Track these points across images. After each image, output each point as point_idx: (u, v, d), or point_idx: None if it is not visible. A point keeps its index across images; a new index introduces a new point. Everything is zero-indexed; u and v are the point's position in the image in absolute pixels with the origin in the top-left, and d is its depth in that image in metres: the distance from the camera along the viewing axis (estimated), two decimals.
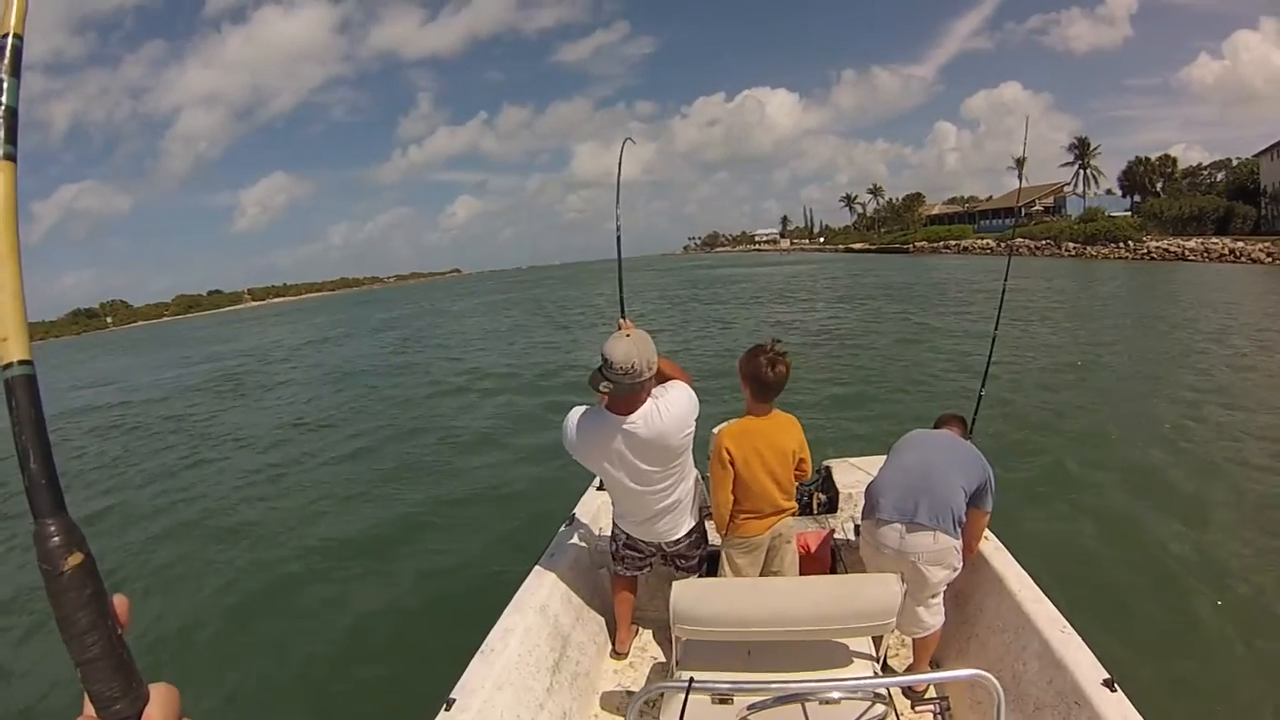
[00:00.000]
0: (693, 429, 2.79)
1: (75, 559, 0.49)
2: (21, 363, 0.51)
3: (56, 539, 0.49)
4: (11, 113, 0.53)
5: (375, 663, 4.78)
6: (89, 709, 0.51)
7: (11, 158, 0.53)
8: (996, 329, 4.26)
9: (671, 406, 2.72)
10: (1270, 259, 32.31)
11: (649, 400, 2.71)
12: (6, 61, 0.52)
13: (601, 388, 2.64)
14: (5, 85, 0.52)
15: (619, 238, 3.86)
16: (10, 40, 0.53)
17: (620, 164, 4.00)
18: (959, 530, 2.82)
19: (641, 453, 2.73)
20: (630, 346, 2.58)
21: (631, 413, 2.69)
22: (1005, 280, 4.40)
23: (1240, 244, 36.05)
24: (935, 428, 3.29)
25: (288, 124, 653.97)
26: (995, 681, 1.75)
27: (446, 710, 2.25)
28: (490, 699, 2.36)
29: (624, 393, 2.65)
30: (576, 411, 2.82)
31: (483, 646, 2.61)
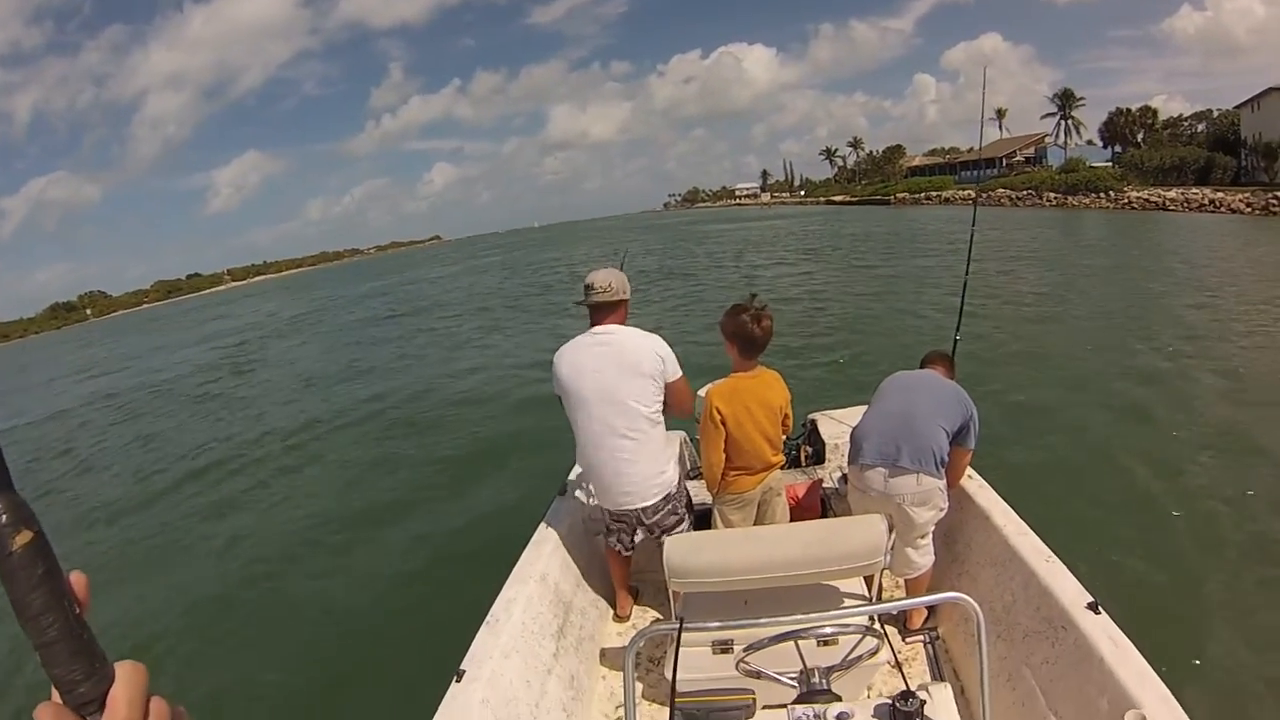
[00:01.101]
0: (659, 360, 2.94)
1: (24, 537, 0.46)
2: None
3: (3, 517, 0.46)
4: None
5: (382, 637, 4.84)
6: (56, 694, 0.48)
7: None
8: (968, 273, 4.40)
9: (642, 333, 3.01)
10: (1250, 209, 32.36)
11: (628, 328, 3.02)
12: None
13: (583, 304, 3.02)
14: None
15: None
16: None
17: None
18: (941, 470, 2.86)
19: (606, 356, 2.93)
20: (608, 272, 3.03)
21: (606, 324, 3.01)
22: (973, 226, 4.73)
23: (1220, 194, 36.09)
24: (921, 367, 3.33)
25: (258, 101, 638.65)
26: (974, 603, 1.77)
27: (458, 681, 2.29)
28: (499, 667, 2.41)
29: (601, 313, 3.00)
30: (564, 343, 3.08)
31: (488, 617, 2.65)
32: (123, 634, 5.40)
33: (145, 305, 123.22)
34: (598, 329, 2.98)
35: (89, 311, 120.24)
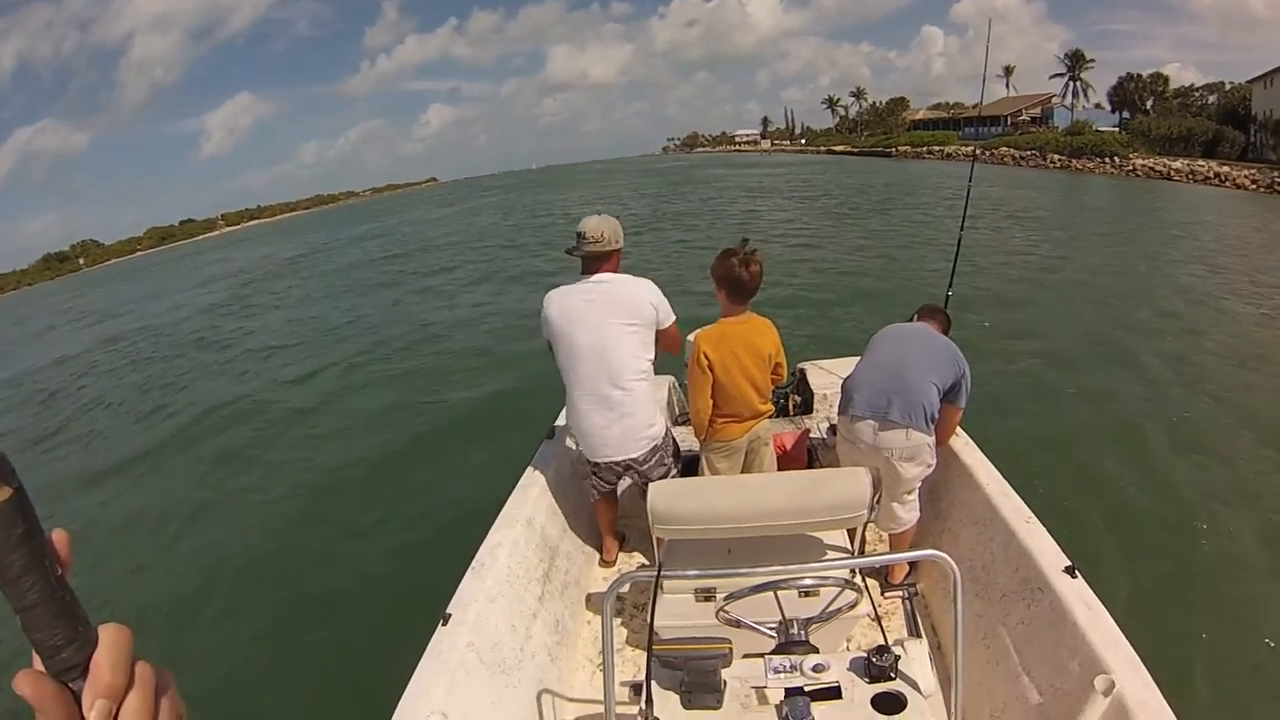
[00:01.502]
0: (652, 308, 2.95)
1: (3, 494, 0.43)
2: None
3: None
4: None
5: (368, 582, 4.90)
6: (37, 660, 0.47)
7: None
8: (962, 230, 4.42)
9: (633, 279, 2.99)
10: (1255, 186, 32.11)
11: (615, 270, 3.00)
12: None
13: (575, 253, 2.97)
14: None
15: None
16: None
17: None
18: (931, 427, 2.85)
19: (599, 308, 2.90)
20: (600, 219, 2.97)
21: (597, 274, 2.97)
22: (969, 183, 4.75)
23: (1226, 168, 35.81)
24: (915, 320, 3.29)
25: (248, 42, 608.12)
26: (951, 561, 1.78)
27: (444, 625, 2.32)
28: (484, 611, 2.44)
29: (593, 259, 2.96)
30: (553, 288, 3.03)
31: (473, 562, 2.68)
32: (104, 586, 5.39)
33: (139, 252, 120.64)
34: (590, 279, 2.96)
35: (82, 261, 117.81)
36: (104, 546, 6.27)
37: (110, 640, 0.48)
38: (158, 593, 5.41)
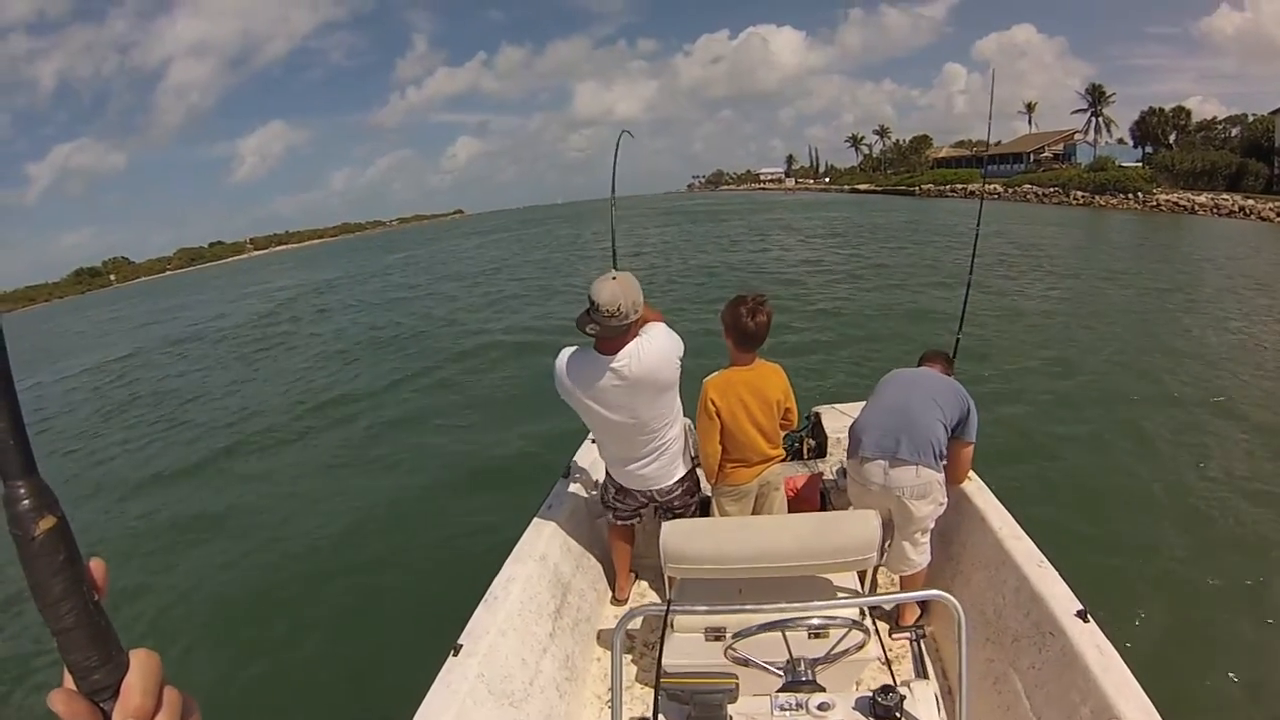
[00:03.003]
0: (678, 365, 2.84)
1: (47, 523, 0.46)
2: None
3: (27, 502, 0.46)
4: None
5: (382, 615, 4.91)
6: (69, 679, 0.49)
7: None
8: (971, 274, 4.38)
9: (654, 340, 2.79)
10: (1279, 218, 32.01)
11: (634, 339, 2.77)
12: None
13: (589, 329, 2.69)
14: None
15: (613, 230, 4.07)
16: None
17: (616, 157, 4.26)
18: (940, 463, 2.88)
19: (629, 390, 2.78)
20: (616, 288, 2.61)
21: (618, 351, 2.74)
22: (977, 226, 4.64)
23: (1251, 201, 35.61)
24: (919, 364, 3.35)
25: (284, 71, 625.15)
26: (955, 602, 1.81)
27: (454, 655, 2.36)
28: (495, 644, 2.47)
29: (611, 334, 2.69)
30: (565, 352, 2.87)
31: (486, 595, 2.71)
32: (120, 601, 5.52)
33: (168, 272, 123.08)
34: (611, 360, 2.74)
35: (113, 277, 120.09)
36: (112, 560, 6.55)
37: (141, 665, 0.50)
38: (170, 610, 5.54)
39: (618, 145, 4.32)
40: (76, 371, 19.82)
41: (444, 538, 5.91)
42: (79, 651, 0.47)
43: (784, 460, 3.30)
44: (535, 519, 3.30)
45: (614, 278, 2.66)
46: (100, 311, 47.70)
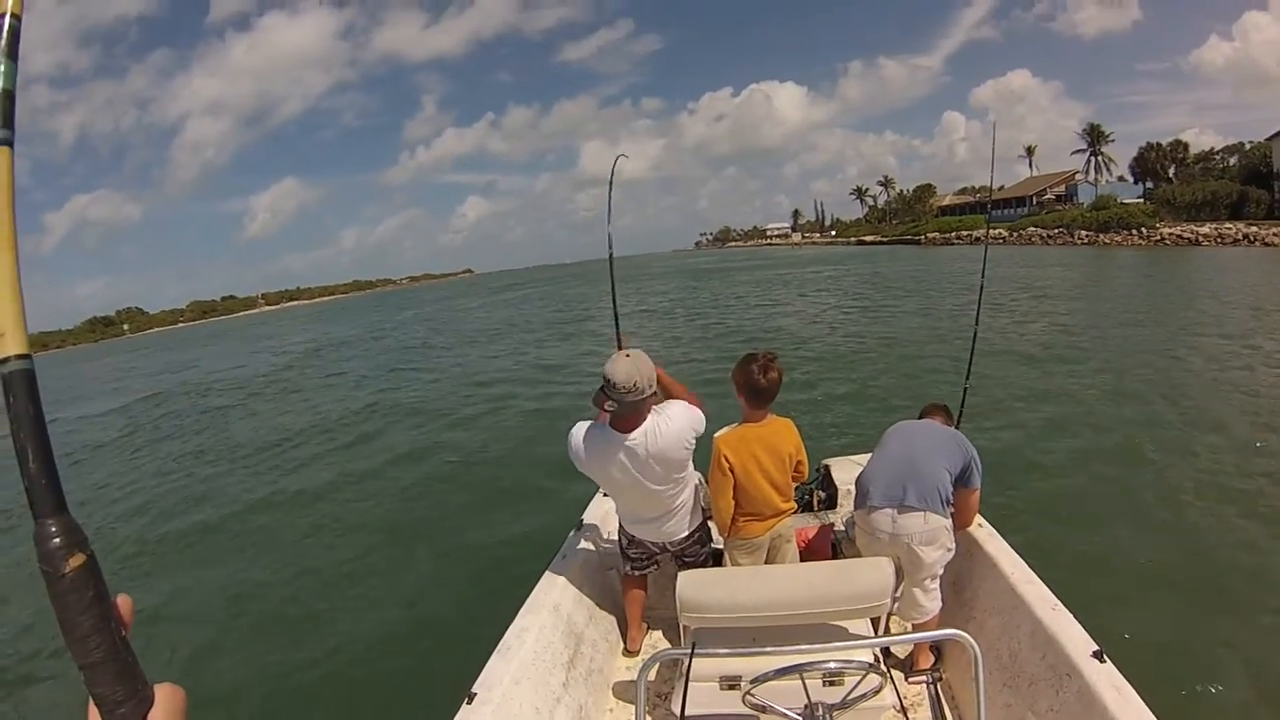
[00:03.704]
0: (692, 444, 2.92)
1: (77, 560, 0.47)
2: (19, 357, 0.48)
3: (57, 540, 0.47)
4: (8, 96, 0.49)
5: (397, 659, 4.92)
6: (94, 713, 0.49)
7: (8, 143, 0.49)
8: (977, 324, 4.40)
9: (671, 422, 2.85)
10: None
11: (650, 416, 2.85)
12: (4, 42, 0.49)
13: (606, 406, 2.77)
14: (3, 68, 0.49)
15: (611, 259, 4.09)
16: (8, 20, 0.49)
17: (611, 182, 4.18)
18: (947, 510, 2.95)
19: (643, 467, 2.86)
20: (630, 366, 2.72)
21: (633, 429, 2.83)
22: (983, 274, 4.49)
23: (1254, 229, 35.93)
24: (920, 417, 3.45)
25: (297, 130, 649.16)
26: (971, 640, 1.83)
27: (469, 704, 2.37)
28: (509, 693, 2.47)
29: (627, 411, 2.79)
30: (580, 428, 2.98)
31: (500, 645, 2.72)
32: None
33: (181, 324, 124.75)
34: (626, 439, 2.84)
35: (126, 327, 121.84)
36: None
37: (165, 700, 0.52)
38: (174, 643, 5.54)
39: (613, 170, 4.23)
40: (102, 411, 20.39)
41: (456, 585, 5.92)
42: (106, 686, 0.49)
43: (795, 513, 3.35)
44: (548, 570, 3.33)
45: (627, 355, 2.77)
46: (119, 358, 48.21)
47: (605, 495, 3.83)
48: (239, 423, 15.11)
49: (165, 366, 33.77)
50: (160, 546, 7.89)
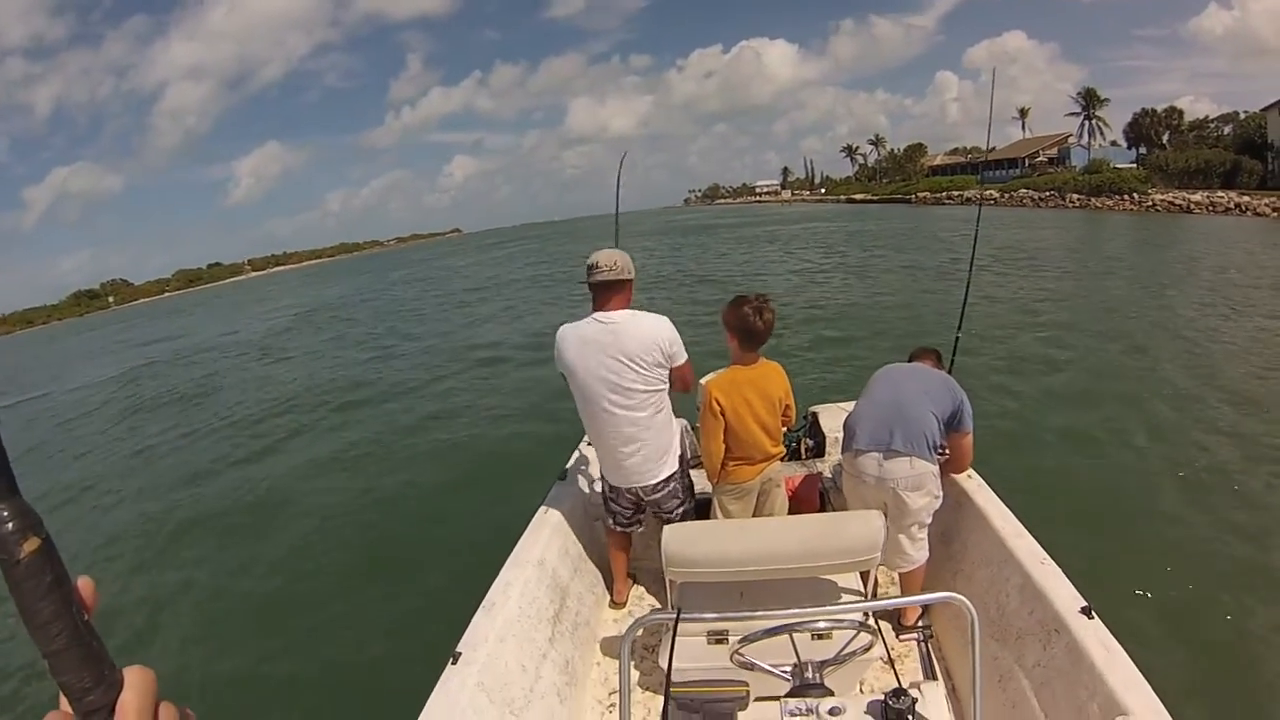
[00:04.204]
0: (665, 357, 2.96)
1: (32, 544, 0.45)
2: None
3: (10, 525, 0.45)
4: None
5: (379, 619, 4.87)
6: (64, 702, 0.48)
7: None
8: (970, 273, 4.39)
9: (649, 319, 2.97)
10: (1275, 213, 32.13)
11: (630, 311, 2.98)
12: None
13: (587, 283, 2.96)
14: None
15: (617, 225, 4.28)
16: None
17: (620, 177, 4.56)
18: (934, 455, 2.89)
19: (615, 340, 2.90)
20: (610, 251, 2.98)
21: (611, 310, 2.95)
22: (977, 225, 4.76)
23: (1246, 198, 35.85)
24: (910, 360, 3.37)
25: (279, 93, 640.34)
26: (968, 603, 1.80)
27: (453, 664, 2.33)
28: (494, 651, 2.44)
29: (606, 290, 2.94)
30: (566, 323, 3.07)
31: (484, 601, 2.68)
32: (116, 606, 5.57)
33: (167, 294, 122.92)
34: (601, 315, 2.95)
35: (111, 299, 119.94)
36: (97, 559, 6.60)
37: (135, 682, 0.50)
38: (163, 615, 5.55)
39: (620, 168, 4.53)
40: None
41: (438, 544, 5.88)
42: (72, 673, 0.47)
43: (783, 459, 3.32)
44: (532, 522, 3.30)
45: (611, 247, 3.04)
46: (110, 331, 47.65)
47: (589, 444, 3.76)
48: (222, 394, 14.88)
49: (149, 338, 33.16)
50: (148, 525, 7.71)
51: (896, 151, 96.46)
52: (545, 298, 22.57)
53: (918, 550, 2.99)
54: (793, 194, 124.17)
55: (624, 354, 2.89)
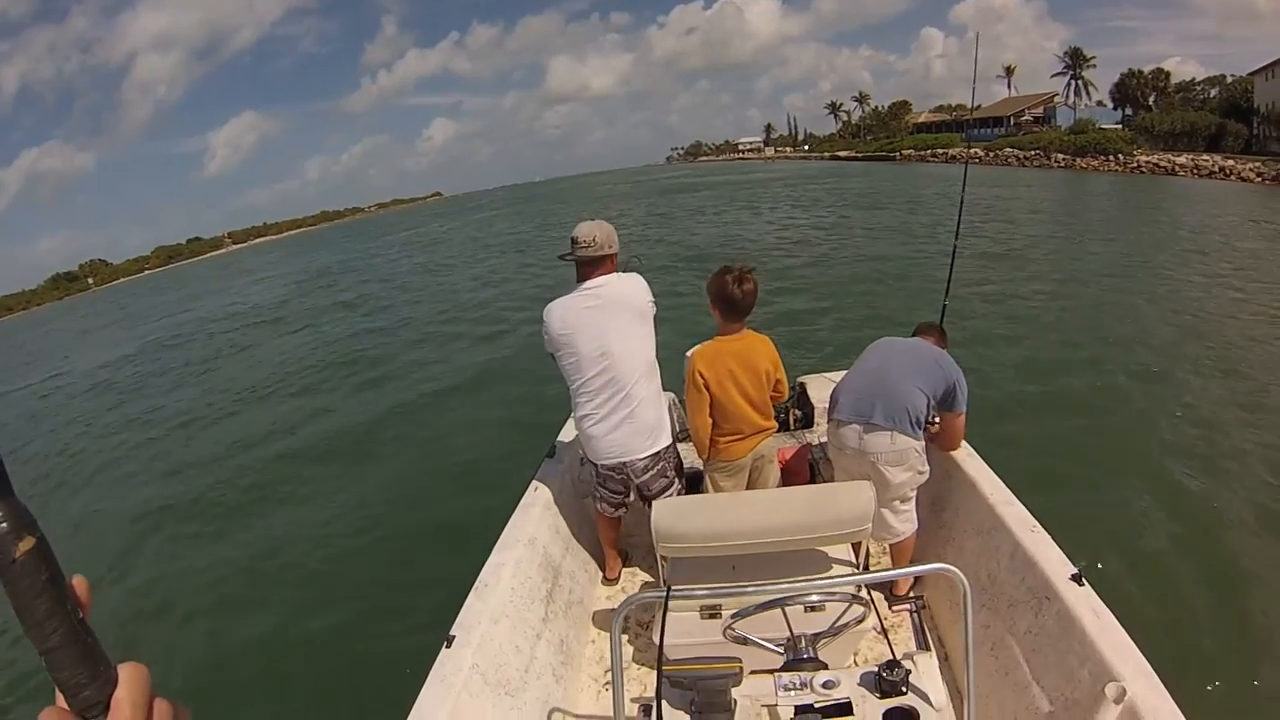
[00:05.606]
0: (651, 300, 3.01)
1: (26, 544, 0.46)
2: None
3: (4, 525, 0.45)
4: None
5: (372, 604, 4.87)
6: (60, 698, 0.49)
7: None
8: (956, 240, 4.35)
9: (629, 277, 3.03)
10: (1259, 179, 32.04)
11: (612, 274, 3.01)
12: None
13: (569, 259, 2.99)
14: None
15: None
16: None
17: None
18: (919, 431, 2.85)
19: (602, 311, 2.91)
20: (593, 225, 2.97)
21: (595, 278, 2.98)
22: (963, 190, 4.71)
23: (1230, 162, 35.75)
24: (914, 335, 3.31)
25: (252, 60, 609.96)
26: (961, 575, 1.77)
27: (448, 647, 2.32)
28: (488, 632, 2.44)
29: (588, 264, 2.97)
30: (552, 300, 3.05)
31: (476, 583, 2.67)
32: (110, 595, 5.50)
33: (147, 271, 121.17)
34: (587, 285, 2.96)
35: (91, 281, 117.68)
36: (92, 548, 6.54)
37: (130, 678, 0.50)
38: (153, 604, 5.51)
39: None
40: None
41: (428, 527, 5.85)
42: (67, 670, 0.48)
43: (774, 433, 3.26)
44: (522, 502, 3.27)
45: (593, 219, 3.01)
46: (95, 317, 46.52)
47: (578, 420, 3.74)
48: (208, 374, 14.70)
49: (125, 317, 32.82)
50: (133, 516, 7.53)
51: (881, 109, 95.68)
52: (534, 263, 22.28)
53: (903, 523, 2.99)
54: (776, 151, 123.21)
55: (614, 314, 2.91)
